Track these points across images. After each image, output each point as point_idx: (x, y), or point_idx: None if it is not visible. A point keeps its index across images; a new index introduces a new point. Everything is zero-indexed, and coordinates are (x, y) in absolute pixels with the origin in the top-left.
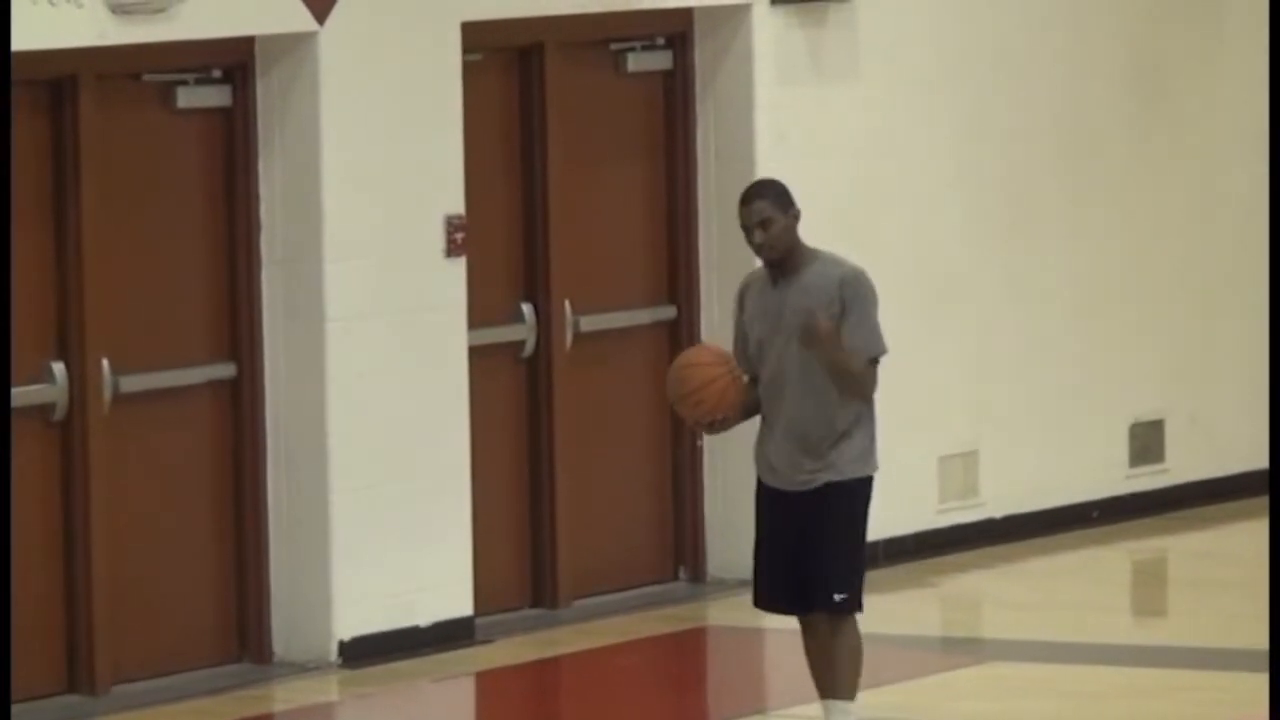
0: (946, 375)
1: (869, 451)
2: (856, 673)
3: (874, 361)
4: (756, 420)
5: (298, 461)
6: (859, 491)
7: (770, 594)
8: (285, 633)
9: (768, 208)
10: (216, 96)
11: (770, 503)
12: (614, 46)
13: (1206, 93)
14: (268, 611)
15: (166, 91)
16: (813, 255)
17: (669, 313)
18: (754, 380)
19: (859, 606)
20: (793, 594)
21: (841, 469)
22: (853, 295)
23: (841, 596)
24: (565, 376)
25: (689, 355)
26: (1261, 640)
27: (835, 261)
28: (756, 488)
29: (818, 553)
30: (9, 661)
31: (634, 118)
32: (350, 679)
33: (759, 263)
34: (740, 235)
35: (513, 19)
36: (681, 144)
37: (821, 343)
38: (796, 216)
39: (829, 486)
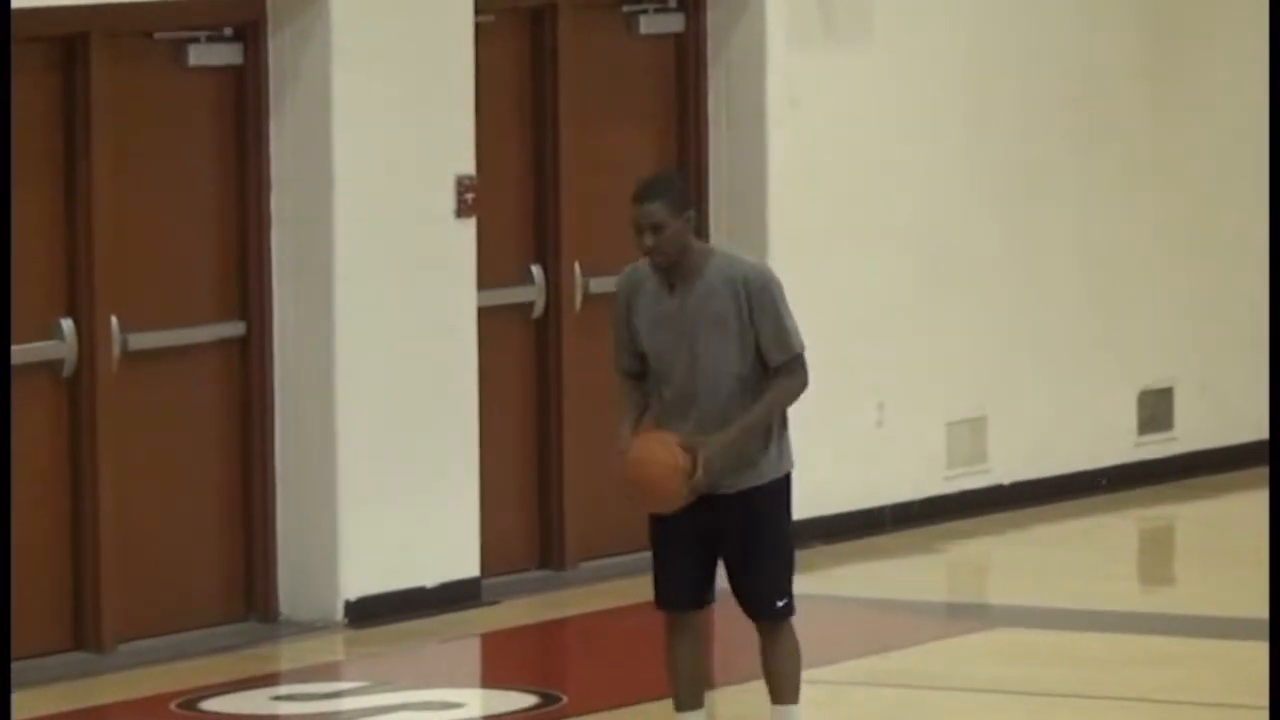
0: (955, 341)
1: (787, 447)
2: (799, 673)
3: (797, 357)
4: None
5: (306, 421)
6: (781, 491)
7: (678, 594)
8: (291, 592)
9: (661, 211)
10: (228, 55)
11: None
12: (626, 9)
13: (1223, 59)
14: (274, 570)
15: (178, 49)
16: (707, 254)
17: None
18: (636, 376)
19: (794, 609)
20: (699, 594)
21: (763, 471)
22: (759, 294)
23: (782, 603)
24: (574, 338)
25: (644, 466)
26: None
27: (733, 259)
28: None
29: (751, 563)
30: (8, 643)
31: (645, 80)
32: (356, 639)
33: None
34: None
35: None
36: (692, 107)
37: (719, 472)
38: (691, 220)
39: (753, 492)
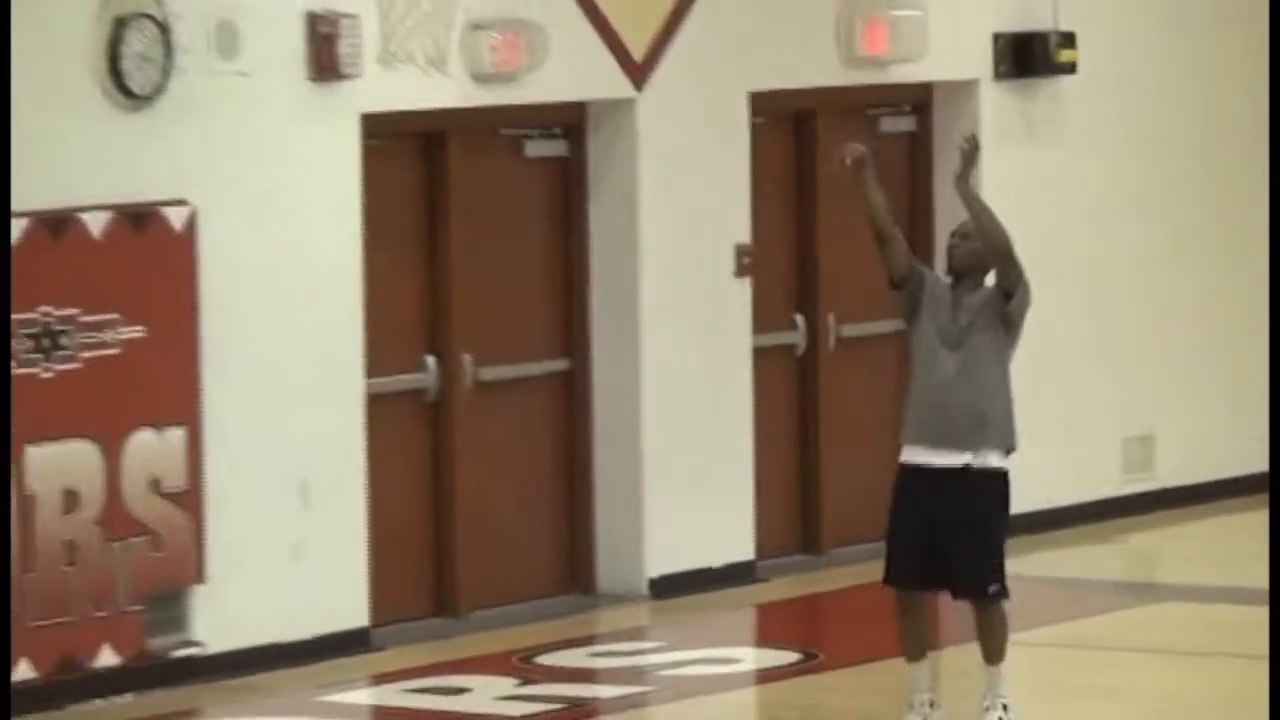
0: (1128, 373)
1: (1014, 433)
2: (1006, 639)
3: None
4: None
5: (619, 437)
6: (1001, 486)
7: (907, 573)
8: (607, 571)
9: (975, 230)
10: (557, 148)
11: (915, 481)
12: (869, 112)
13: None
14: (593, 554)
15: (517, 144)
16: (985, 286)
17: None
18: (896, 283)
19: (1008, 593)
20: (928, 574)
21: (993, 457)
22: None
23: (994, 589)
24: (829, 373)
25: None
26: None
27: None
28: (901, 469)
29: (969, 543)
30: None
31: (887, 171)
32: (657, 608)
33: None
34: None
35: (790, 89)
36: (922, 192)
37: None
38: (987, 270)
39: (983, 474)
